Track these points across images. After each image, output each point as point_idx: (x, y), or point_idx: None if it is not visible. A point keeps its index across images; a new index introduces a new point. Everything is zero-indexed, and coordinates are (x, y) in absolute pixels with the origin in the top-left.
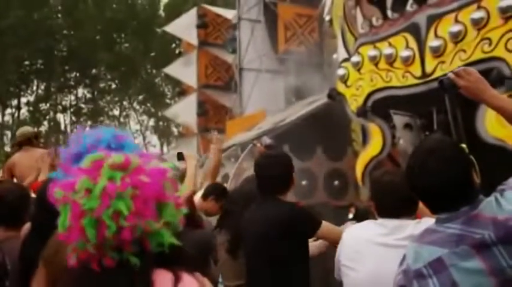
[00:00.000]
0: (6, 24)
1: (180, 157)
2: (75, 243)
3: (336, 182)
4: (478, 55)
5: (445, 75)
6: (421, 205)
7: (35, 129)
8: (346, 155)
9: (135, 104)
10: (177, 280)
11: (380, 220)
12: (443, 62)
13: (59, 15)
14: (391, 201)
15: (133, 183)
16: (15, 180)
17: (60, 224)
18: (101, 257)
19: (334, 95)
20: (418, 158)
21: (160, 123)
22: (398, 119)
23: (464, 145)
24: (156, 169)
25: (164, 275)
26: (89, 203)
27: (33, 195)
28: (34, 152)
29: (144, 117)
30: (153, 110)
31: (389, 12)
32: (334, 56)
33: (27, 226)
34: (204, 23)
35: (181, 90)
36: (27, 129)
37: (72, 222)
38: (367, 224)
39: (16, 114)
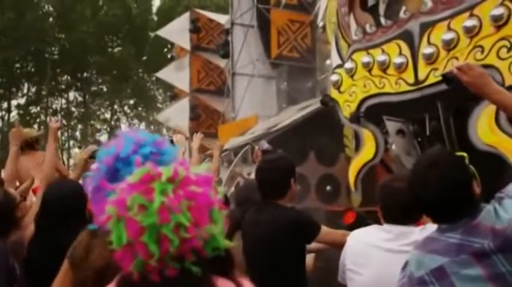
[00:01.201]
0: None
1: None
2: (135, 259)
3: (328, 187)
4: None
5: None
6: None
7: (39, 131)
8: (338, 160)
9: (126, 108)
10: None
11: (385, 226)
12: (436, 69)
13: (51, 19)
14: (398, 208)
15: (187, 195)
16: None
17: (116, 240)
18: (161, 269)
19: (328, 101)
20: (419, 173)
21: (152, 127)
22: (391, 125)
23: (464, 155)
24: (202, 177)
25: (227, 284)
26: (147, 220)
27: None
28: (36, 155)
29: (135, 121)
30: (144, 114)
31: (382, 20)
32: (327, 62)
33: (31, 228)
34: (196, 28)
35: (174, 95)
36: (26, 132)
37: (133, 239)
38: (373, 229)
39: (6, 117)
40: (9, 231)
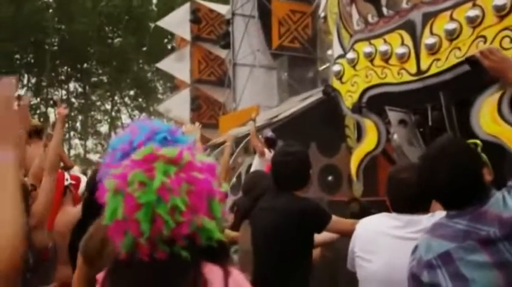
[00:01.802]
0: None
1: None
2: (125, 236)
3: (330, 178)
4: (473, 53)
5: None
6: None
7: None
8: (339, 150)
9: (126, 99)
10: (226, 274)
11: (394, 214)
12: (438, 59)
13: (50, 10)
14: (405, 199)
15: (188, 179)
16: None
17: (109, 214)
18: (151, 250)
19: (330, 91)
20: (428, 161)
21: (152, 118)
22: (393, 115)
23: (478, 142)
24: (206, 164)
25: (214, 269)
26: (145, 197)
27: None
28: (40, 145)
29: (136, 112)
30: (144, 105)
31: (384, 10)
32: (329, 52)
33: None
34: (197, 18)
35: (174, 85)
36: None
37: (127, 215)
38: (382, 216)
39: None
40: None
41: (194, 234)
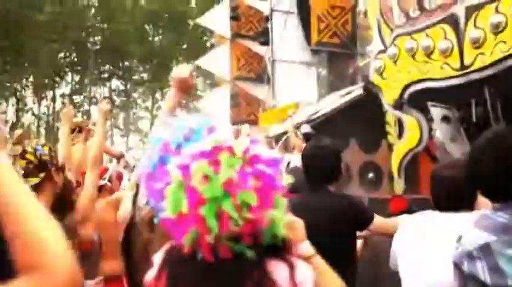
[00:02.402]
0: (41, 18)
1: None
2: (189, 232)
3: (370, 175)
4: None
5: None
6: (479, 198)
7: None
8: (380, 147)
9: (167, 96)
10: (292, 268)
11: (437, 212)
12: (482, 54)
13: (92, 10)
14: (449, 196)
15: (256, 174)
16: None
17: (173, 207)
18: (215, 246)
19: (370, 88)
20: (475, 152)
21: (192, 115)
22: (436, 112)
23: None
24: (271, 158)
25: (279, 265)
26: (210, 192)
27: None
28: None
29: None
30: (184, 101)
31: (426, 4)
32: (369, 47)
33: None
34: (236, 15)
35: (214, 83)
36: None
37: (190, 209)
38: (425, 214)
39: (52, 106)
40: (66, 213)
41: (259, 232)
